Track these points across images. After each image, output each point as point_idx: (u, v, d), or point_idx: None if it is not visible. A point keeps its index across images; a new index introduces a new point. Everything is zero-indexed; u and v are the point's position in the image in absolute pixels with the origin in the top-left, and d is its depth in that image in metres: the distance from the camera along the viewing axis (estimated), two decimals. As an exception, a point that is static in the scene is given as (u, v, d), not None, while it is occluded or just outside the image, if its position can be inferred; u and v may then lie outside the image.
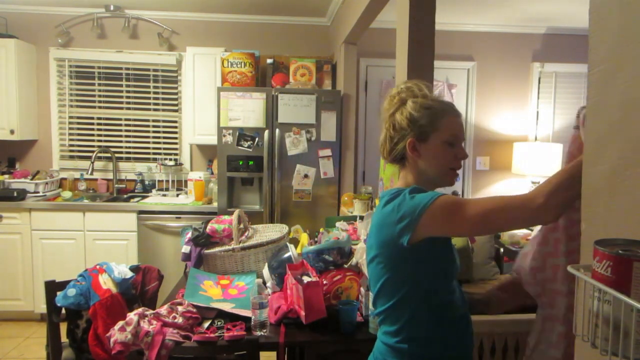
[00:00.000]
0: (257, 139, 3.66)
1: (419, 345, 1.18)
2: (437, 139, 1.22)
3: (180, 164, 4.38)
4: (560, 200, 1.01)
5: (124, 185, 4.36)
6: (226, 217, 2.35)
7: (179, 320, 1.72)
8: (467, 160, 4.48)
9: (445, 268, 1.21)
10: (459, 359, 1.23)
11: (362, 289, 1.89)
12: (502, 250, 3.37)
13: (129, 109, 4.39)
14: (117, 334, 1.62)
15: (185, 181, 4.30)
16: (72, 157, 4.39)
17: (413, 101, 1.25)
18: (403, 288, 1.18)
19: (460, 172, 4.74)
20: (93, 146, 4.38)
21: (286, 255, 2.07)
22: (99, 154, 4.33)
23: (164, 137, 4.44)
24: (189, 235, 2.27)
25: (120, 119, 4.39)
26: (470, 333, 1.27)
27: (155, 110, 4.40)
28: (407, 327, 1.18)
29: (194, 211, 3.84)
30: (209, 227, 2.27)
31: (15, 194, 3.79)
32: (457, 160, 1.25)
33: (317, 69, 3.93)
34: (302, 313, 1.71)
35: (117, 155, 4.36)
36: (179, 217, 3.82)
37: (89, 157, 4.27)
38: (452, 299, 1.22)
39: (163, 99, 4.40)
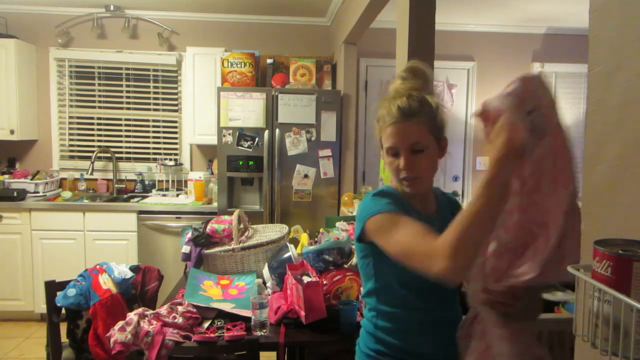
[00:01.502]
0: (257, 139, 3.65)
1: (384, 332, 1.23)
2: (385, 149, 1.22)
3: (180, 164, 4.38)
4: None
5: (124, 185, 4.35)
6: (226, 217, 2.35)
7: (179, 320, 1.72)
8: (467, 160, 4.49)
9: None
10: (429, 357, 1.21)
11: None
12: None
13: (129, 109, 4.39)
14: (117, 334, 1.62)
15: (185, 181, 4.30)
16: (72, 157, 4.39)
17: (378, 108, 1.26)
18: (370, 280, 1.27)
19: (460, 172, 4.69)
20: (93, 146, 4.37)
21: (286, 255, 2.07)
22: (99, 154, 4.33)
23: (164, 137, 4.43)
24: (189, 235, 2.27)
25: (120, 119, 4.39)
26: (443, 338, 1.19)
27: (155, 110, 4.40)
28: (376, 313, 1.25)
29: (194, 211, 3.84)
30: (209, 227, 2.27)
31: (15, 194, 3.79)
32: (401, 170, 1.18)
33: (317, 69, 3.93)
34: (302, 313, 1.71)
35: (117, 155, 4.36)
36: (179, 217, 3.82)
37: (89, 157, 4.26)
38: (410, 298, 1.20)
39: (163, 99, 4.40)
